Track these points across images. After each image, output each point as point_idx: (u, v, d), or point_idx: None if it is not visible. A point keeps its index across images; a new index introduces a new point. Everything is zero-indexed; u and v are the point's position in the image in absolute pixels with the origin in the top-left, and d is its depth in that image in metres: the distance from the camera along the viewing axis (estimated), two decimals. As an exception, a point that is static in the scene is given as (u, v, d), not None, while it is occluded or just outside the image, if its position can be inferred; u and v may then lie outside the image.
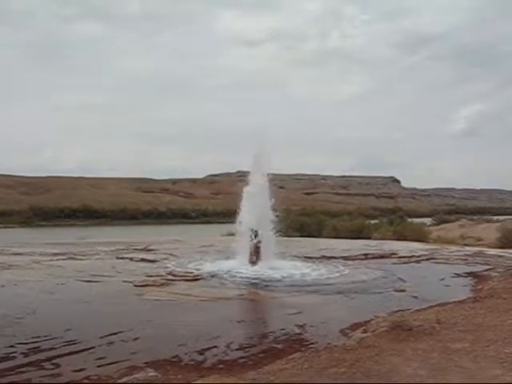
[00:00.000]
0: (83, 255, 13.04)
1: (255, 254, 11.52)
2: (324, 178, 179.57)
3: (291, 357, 4.82)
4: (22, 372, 4.61)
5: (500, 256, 13.86)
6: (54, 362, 4.89)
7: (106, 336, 5.74)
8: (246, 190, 12.27)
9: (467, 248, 17.56)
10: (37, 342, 5.51)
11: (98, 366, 4.77)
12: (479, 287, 8.93)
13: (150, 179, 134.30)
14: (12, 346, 5.34)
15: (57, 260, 12.00)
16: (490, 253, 15.09)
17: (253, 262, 11.29)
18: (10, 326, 6.15)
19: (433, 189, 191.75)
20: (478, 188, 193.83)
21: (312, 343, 5.55)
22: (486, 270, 10.96)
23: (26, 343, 5.45)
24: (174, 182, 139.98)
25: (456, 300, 7.69)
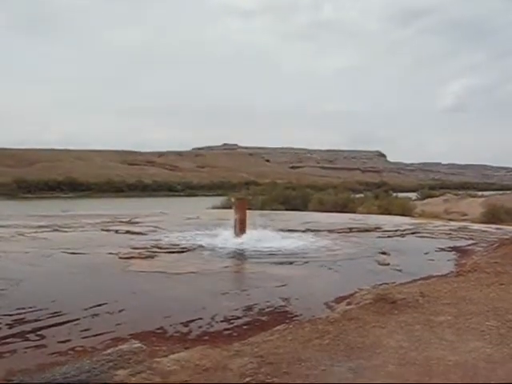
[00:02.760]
0: (68, 227, 12.97)
1: (240, 226, 11.54)
2: (310, 152, 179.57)
3: (276, 329, 4.85)
4: (7, 343, 4.59)
5: (484, 231, 13.98)
6: (38, 333, 4.88)
7: (91, 308, 5.73)
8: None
9: (452, 223, 17.68)
10: (21, 313, 5.48)
11: (83, 338, 4.76)
12: (463, 262, 9.00)
13: (136, 152, 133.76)
14: (-4, 318, 5.33)
15: (41, 232, 11.93)
16: (474, 228, 15.22)
17: (238, 235, 11.31)
18: (-5, 298, 6.13)
19: (418, 163, 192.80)
20: (464, 163, 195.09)
21: (296, 315, 5.58)
22: (469, 245, 11.05)
23: (10, 314, 5.42)
24: (160, 154, 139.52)
25: (440, 274, 7.76)
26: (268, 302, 6.21)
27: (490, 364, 3.73)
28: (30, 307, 5.70)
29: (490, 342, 4.23)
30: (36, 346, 4.54)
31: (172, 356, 3.89)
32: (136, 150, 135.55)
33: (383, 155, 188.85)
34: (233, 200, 11.87)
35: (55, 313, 5.49)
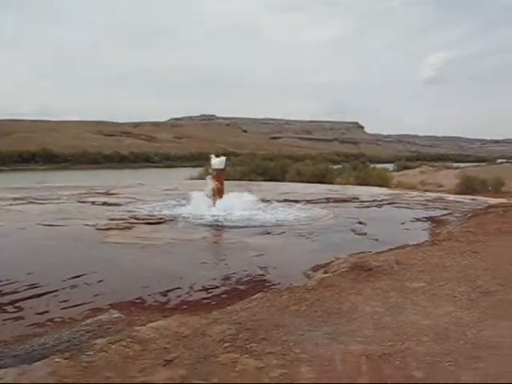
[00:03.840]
0: (44, 199, 12.86)
1: (218, 197, 11.55)
2: (289, 122, 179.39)
3: (254, 297, 4.91)
4: (-15, 315, 4.60)
5: (458, 202, 14.16)
6: (16, 305, 4.86)
7: (69, 279, 5.72)
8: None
9: (427, 194, 17.87)
10: (-2, 285, 5.48)
11: (62, 309, 4.77)
12: (437, 231, 9.14)
13: (112, 122, 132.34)
14: (-27, 290, 5.31)
15: (16, 205, 11.80)
16: (450, 198, 15.42)
17: (216, 205, 11.32)
18: (-30, 271, 6.10)
19: (396, 135, 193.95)
20: (441, 135, 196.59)
21: (274, 284, 5.65)
22: (444, 215, 11.20)
23: (-14, 287, 5.42)
24: (136, 125, 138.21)
25: (415, 243, 7.88)
26: (246, 271, 6.27)
27: (460, 327, 3.84)
28: (7, 279, 5.66)
29: (461, 307, 4.34)
30: (14, 318, 4.54)
31: (151, 324, 3.92)
32: (112, 120, 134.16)
33: (361, 126, 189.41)
34: (210, 171, 11.83)
35: (32, 285, 5.48)
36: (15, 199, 12.72)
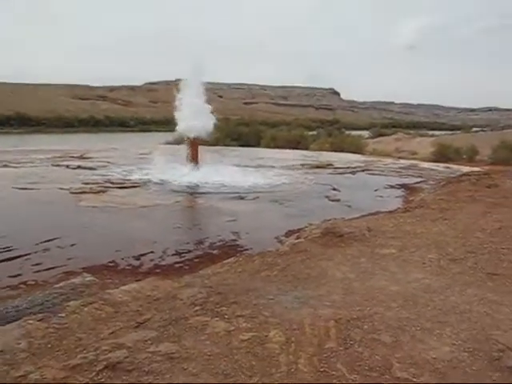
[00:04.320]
0: (18, 163, 12.74)
1: (193, 162, 11.54)
2: (264, 87, 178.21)
3: (226, 261, 4.97)
4: (-43, 277, 4.59)
5: (432, 169, 14.34)
6: (-12, 267, 4.88)
7: (43, 242, 5.74)
8: (183, 96, 12.05)
9: (402, 161, 18.01)
10: (-29, 248, 5.46)
11: (35, 272, 4.80)
12: (410, 198, 9.27)
13: (87, 86, 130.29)
14: None
15: (-10, 167, 11.69)
16: (423, 166, 15.59)
17: (190, 170, 11.31)
18: None
19: (372, 102, 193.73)
20: (416, 103, 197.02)
21: (246, 249, 5.72)
22: (418, 183, 11.34)
23: (-41, 249, 5.40)
24: (112, 89, 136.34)
25: (387, 210, 7.99)
26: (219, 236, 6.33)
27: (428, 293, 3.92)
28: (-20, 242, 5.66)
29: (431, 273, 4.43)
30: (-13, 280, 4.55)
31: (123, 287, 3.96)
32: (87, 84, 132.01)
33: (337, 93, 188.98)
34: (185, 135, 11.78)
35: (6, 248, 5.48)
36: (-12, 162, 12.57)
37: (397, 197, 9.70)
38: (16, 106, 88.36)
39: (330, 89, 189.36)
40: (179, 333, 3.12)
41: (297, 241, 5.73)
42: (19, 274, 4.71)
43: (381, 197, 9.75)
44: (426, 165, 16.23)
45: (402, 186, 10.93)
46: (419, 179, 11.92)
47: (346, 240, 5.51)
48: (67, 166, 12.27)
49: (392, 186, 10.85)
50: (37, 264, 5.02)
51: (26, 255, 5.29)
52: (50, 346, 2.96)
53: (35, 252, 5.41)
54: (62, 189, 9.11)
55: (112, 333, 3.10)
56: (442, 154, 25.07)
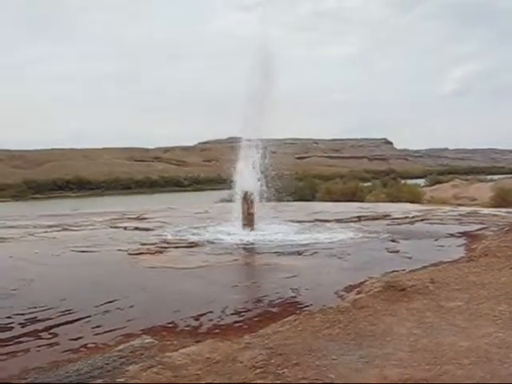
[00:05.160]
0: (77, 226, 12.99)
1: (248, 219, 11.54)
2: (316, 141, 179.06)
3: (286, 320, 4.85)
4: (20, 342, 4.62)
5: (494, 215, 13.92)
6: (51, 331, 4.90)
7: (102, 305, 5.75)
8: (240, 154, 12.25)
9: (461, 208, 17.60)
10: (33, 312, 5.51)
11: (95, 335, 4.79)
12: (473, 246, 8.97)
13: (142, 148, 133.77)
14: (9, 317, 5.34)
15: (51, 232, 11.93)
16: (484, 212, 15.16)
17: (246, 227, 11.31)
18: (7, 298, 6.14)
19: (425, 150, 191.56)
20: (471, 148, 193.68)
21: (306, 306, 5.58)
22: (479, 230, 11.00)
23: (22, 314, 5.45)
24: (166, 150, 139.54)
25: (450, 260, 7.74)
26: (278, 293, 6.21)
27: (502, 349, 3.71)
28: (42, 306, 5.72)
29: (503, 327, 4.21)
30: (49, 344, 4.57)
31: (182, 350, 3.90)
32: (142, 146, 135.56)
33: (390, 142, 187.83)
34: (240, 192, 11.87)
35: (66, 311, 5.52)
36: (50, 226, 12.86)
37: (459, 246, 9.41)
38: (74, 170, 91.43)
39: (383, 139, 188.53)
40: (240, 397, 3.02)
41: (358, 296, 5.57)
42: (80, 337, 4.70)
43: (442, 246, 9.47)
44: (486, 211, 15.79)
45: (464, 233, 10.62)
46: (481, 226, 11.56)
47: (409, 294, 5.34)
48: (125, 228, 12.44)
49: (453, 235, 10.55)
50: (97, 326, 5.02)
51: (85, 317, 5.30)
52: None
53: (95, 314, 5.42)
54: (120, 250, 9.21)
55: (172, 399, 3.03)
56: (503, 199, 24.46)
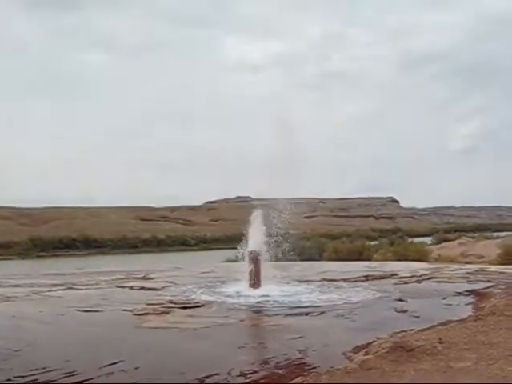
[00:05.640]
0: (82, 285, 12.95)
1: (255, 279, 11.49)
2: (322, 200, 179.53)
3: (293, 382, 4.79)
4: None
5: (501, 272, 13.83)
6: (52, 395, 4.84)
7: (106, 366, 5.68)
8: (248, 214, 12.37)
9: (468, 266, 17.50)
10: (35, 374, 5.44)
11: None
12: (481, 305, 8.90)
13: (149, 207, 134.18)
14: (9, 380, 5.27)
15: (56, 291, 11.90)
16: (492, 270, 15.07)
17: (253, 287, 11.26)
18: (8, 359, 6.07)
19: (432, 208, 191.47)
20: (477, 205, 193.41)
21: (314, 367, 5.50)
22: (487, 288, 10.92)
23: (23, 376, 5.37)
24: (173, 209, 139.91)
25: (458, 319, 7.67)
26: (285, 354, 6.14)
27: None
28: (44, 367, 5.65)
29: (513, 388, 4.14)
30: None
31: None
32: (149, 205, 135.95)
33: (396, 201, 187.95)
34: (247, 252, 11.89)
35: (69, 373, 5.44)
36: (55, 285, 12.84)
37: (467, 304, 9.34)
38: (81, 229, 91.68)
39: (389, 197, 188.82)
40: None
41: (365, 357, 5.49)
42: (83, 401, 4.64)
43: (449, 305, 9.40)
44: (493, 268, 15.70)
45: (471, 292, 10.54)
46: (488, 284, 11.48)
47: (417, 354, 5.26)
48: (131, 288, 12.38)
49: (460, 293, 10.47)
50: (100, 390, 4.96)
51: (89, 380, 5.23)
52: None
53: (98, 376, 5.35)
54: (125, 310, 9.16)
55: None
56: (510, 256, 24.29)
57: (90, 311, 9.20)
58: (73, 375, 5.38)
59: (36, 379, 5.29)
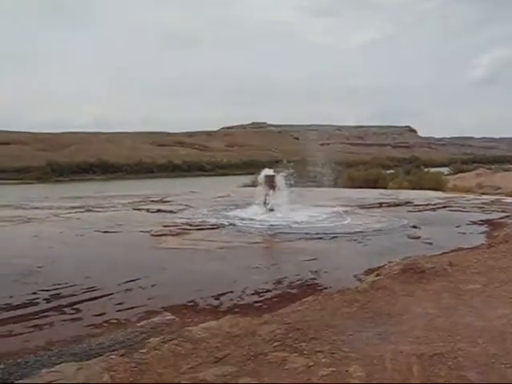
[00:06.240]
0: (101, 208, 13.16)
1: (271, 203, 11.61)
2: (339, 128, 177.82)
3: (305, 300, 4.92)
4: (45, 316, 4.77)
5: (517, 203, 13.80)
6: (74, 307, 5.03)
7: (124, 283, 5.87)
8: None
9: (484, 196, 17.45)
10: (58, 288, 5.65)
11: (117, 311, 4.91)
12: (495, 234, 8.94)
13: (165, 133, 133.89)
14: (35, 293, 5.49)
15: (75, 213, 12.12)
16: (508, 201, 15.01)
17: (268, 211, 11.38)
18: (32, 275, 6.29)
19: (450, 138, 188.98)
20: (497, 137, 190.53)
21: (325, 287, 5.64)
22: (502, 218, 10.92)
23: (47, 290, 5.59)
24: (190, 135, 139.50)
25: (470, 246, 7.73)
26: (298, 275, 6.28)
27: (518, 330, 3.74)
28: (66, 283, 5.86)
29: (519, 309, 4.23)
30: (72, 319, 4.71)
31: (202, 325, 3.99)
32: (165, 130, 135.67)
33: (414, 130, 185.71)
34: (263, 179, 11.94)
35: (90, 288, 5.65)
36: (73, 208, 13.06)
37: (480, 233, 9.38)
38: (97, 154, 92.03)
39: (407, 126, 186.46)
40: (259, 368, 3.10)
41: (376, 278, 5.61)
42: (103, 313, 4.83)
43: (463, 233, 9.44)
44: (510, 199, 15.62)
45: (486, 221, 10.55)
46: (503, 214, 11.48)
47: (428, 276, 5.37)
48: (148, 210, 12.57)
49: (475, 222, 10.50)
50: (119, 303, 5.13)
51: (108, 295, 5.43)
52: (131, 379, 3.01)
53: (117, 292, 5.54)
54: (142, 231, 9.34)
55: (191, 368, 3.12)
56: (528, 188, 24.19)
57: (108, 232, 9.41)
58: (93, 290, 5.57)
59: (59, 293, 5.49)
